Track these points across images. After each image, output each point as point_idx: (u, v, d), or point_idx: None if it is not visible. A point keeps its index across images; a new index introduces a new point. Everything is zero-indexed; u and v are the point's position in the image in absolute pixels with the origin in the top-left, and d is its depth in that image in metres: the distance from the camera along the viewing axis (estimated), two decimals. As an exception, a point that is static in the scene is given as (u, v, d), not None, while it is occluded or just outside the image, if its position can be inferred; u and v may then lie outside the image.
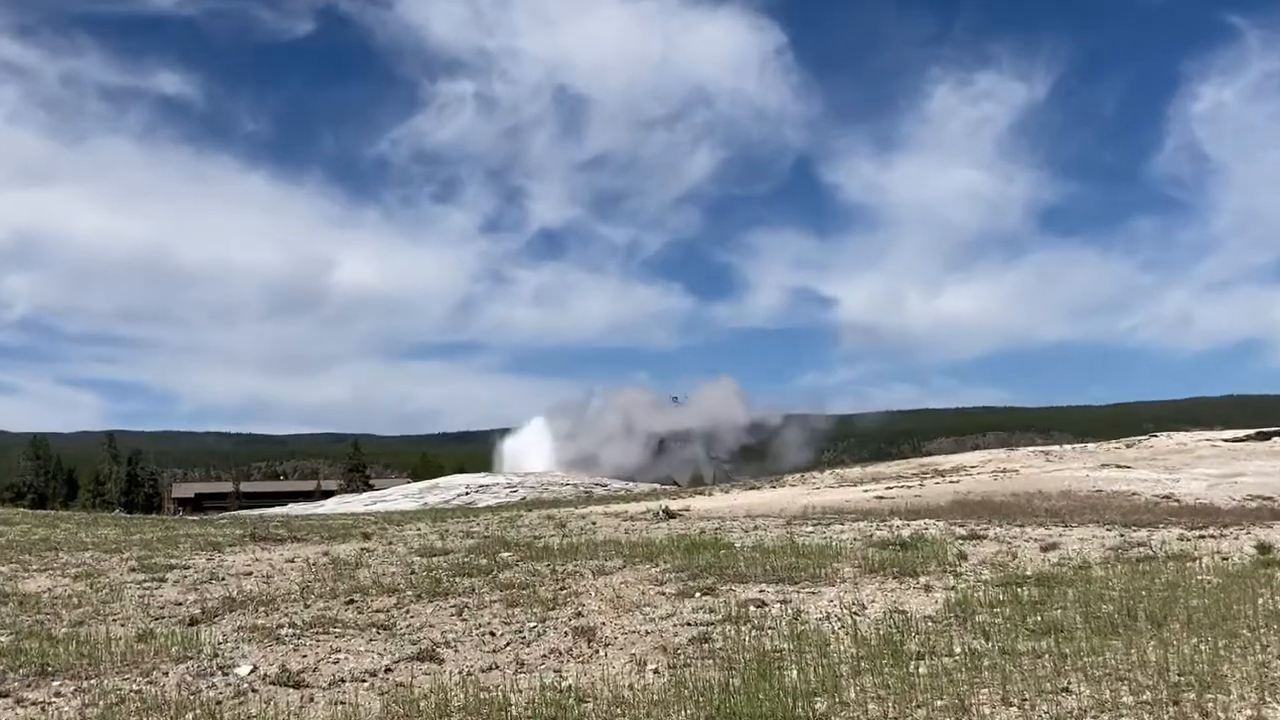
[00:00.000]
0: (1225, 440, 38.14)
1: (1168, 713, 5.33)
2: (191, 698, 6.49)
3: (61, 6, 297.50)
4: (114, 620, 9.12)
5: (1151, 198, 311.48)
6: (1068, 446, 42.94)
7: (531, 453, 73.22)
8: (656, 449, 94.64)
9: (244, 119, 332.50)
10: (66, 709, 6.36)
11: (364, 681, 6.86)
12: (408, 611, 9.19)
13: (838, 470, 38.97)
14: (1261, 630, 6.91)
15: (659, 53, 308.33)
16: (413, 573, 11.44)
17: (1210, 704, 5.39)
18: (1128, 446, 39.69)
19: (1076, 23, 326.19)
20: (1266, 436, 38.31)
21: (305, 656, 7.53)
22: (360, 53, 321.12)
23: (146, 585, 11.13)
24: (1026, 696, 5.69)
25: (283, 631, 8.33)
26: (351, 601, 9.70)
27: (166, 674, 7.10)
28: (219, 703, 6.40)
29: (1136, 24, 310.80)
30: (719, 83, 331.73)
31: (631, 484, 57.88)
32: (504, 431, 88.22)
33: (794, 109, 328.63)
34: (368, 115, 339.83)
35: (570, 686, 6.46)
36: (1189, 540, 12.05)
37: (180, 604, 9.94)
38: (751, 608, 8.66)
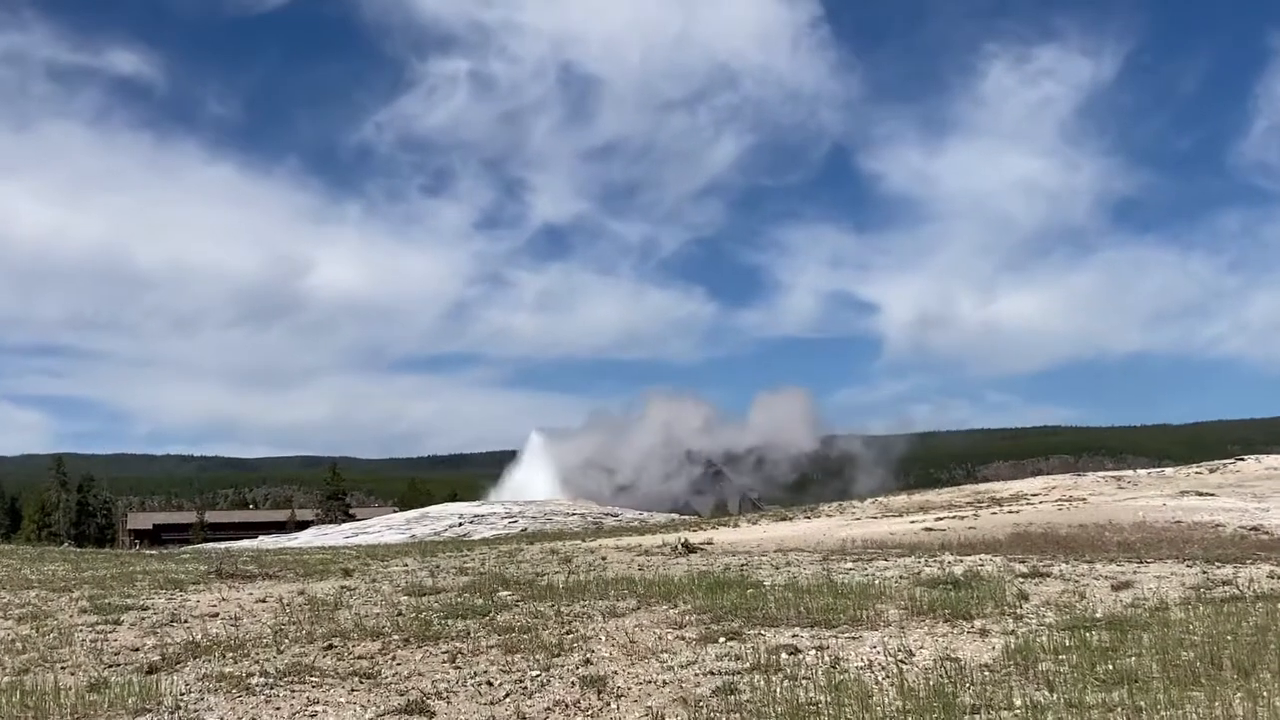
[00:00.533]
0: (1322, 464, 38.00)
1: (1258, 775, 5.31)
2: (150, 755, 6.52)
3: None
4: (63, 668, 9.15)
5: (1237, 189, 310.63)
6: (1142, 472, 42.80)
7: (536, 478, 72.63)
8: (708, 474, 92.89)
9: (210, 102, 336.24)
10: (10, 768, 6.39)
11: (345, 737, 6.87)
12: (394, 658, 9.21)
13: (880, 499, 38.94)
14: (1365, 681, 6.87)
15: (678, 27, 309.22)
16: (400, 614, 11.47)
17: (1306, 765, 5.37)
18: (1211, 471, 39.59)
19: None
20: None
21: (279, 709, 7.55)
22: (341, 27, 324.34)
23: (99, 628, 11.17)
24: (1096, 756, 5.67)
25: (253, 681, 8.35)
26: (331, 647, 9.73)
27: (122, 728, 7.12)
28: (181, 761, 6.42)
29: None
30: (745, 60, 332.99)
31: (645, 514, 57.91)
32: (507, 455, 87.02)
33: (830, 89, 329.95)
34: (349, 97, 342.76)
35: (578, 743, 6.47)
36: (1281, 578, 12.02)
37: (137, 649, 9.98)
38: (783, 655, 8.65)
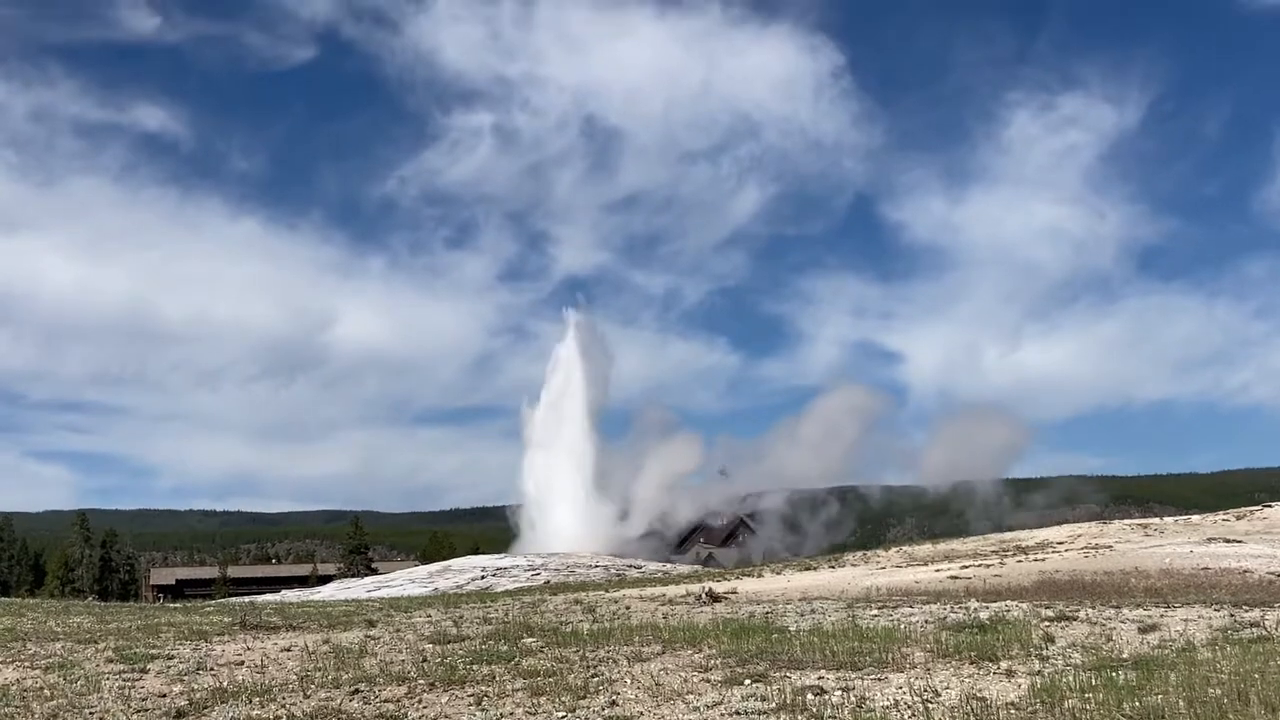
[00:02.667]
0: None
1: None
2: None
3: (31, 34, 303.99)
4: (91, 713, 9.23)
5: (1263, 235, 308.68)
6: (1169, 519, 42.52)
7: (563, 529, 71.73)
8: (733, 524, 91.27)
9: (235, 157, 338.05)
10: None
11: (372, 778, 6.91)
12: (420, 701, 9.25)
13: (905, 548, 38.76)
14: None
15: (700, 78, 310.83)
16: (425, 660, 11.50)
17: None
18: (1238, 519, 39.33)
19: (1174, 38, 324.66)
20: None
21: (306, 751, 7.60)
22: (365, 82, 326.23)
23: (126, 676, 11.23)
24: (1124, 790, 5.68)
25: (280, 724, 8.40)
26: (357, 691, 9.77)
27: (152, 770, 7.18)
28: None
29: (1242, 37, 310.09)
30: (768, 110, 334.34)
31: (669, 565, 57.76)
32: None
33: (853, 139, 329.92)
34: (373, 151, 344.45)
35: (605, 782, 6.49)
36: (1310, 620, 11.96)
37: (164, 695, 10.04)
38: (809, 695, 8.65)
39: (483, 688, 9.71)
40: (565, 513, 72.12)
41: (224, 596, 63.88)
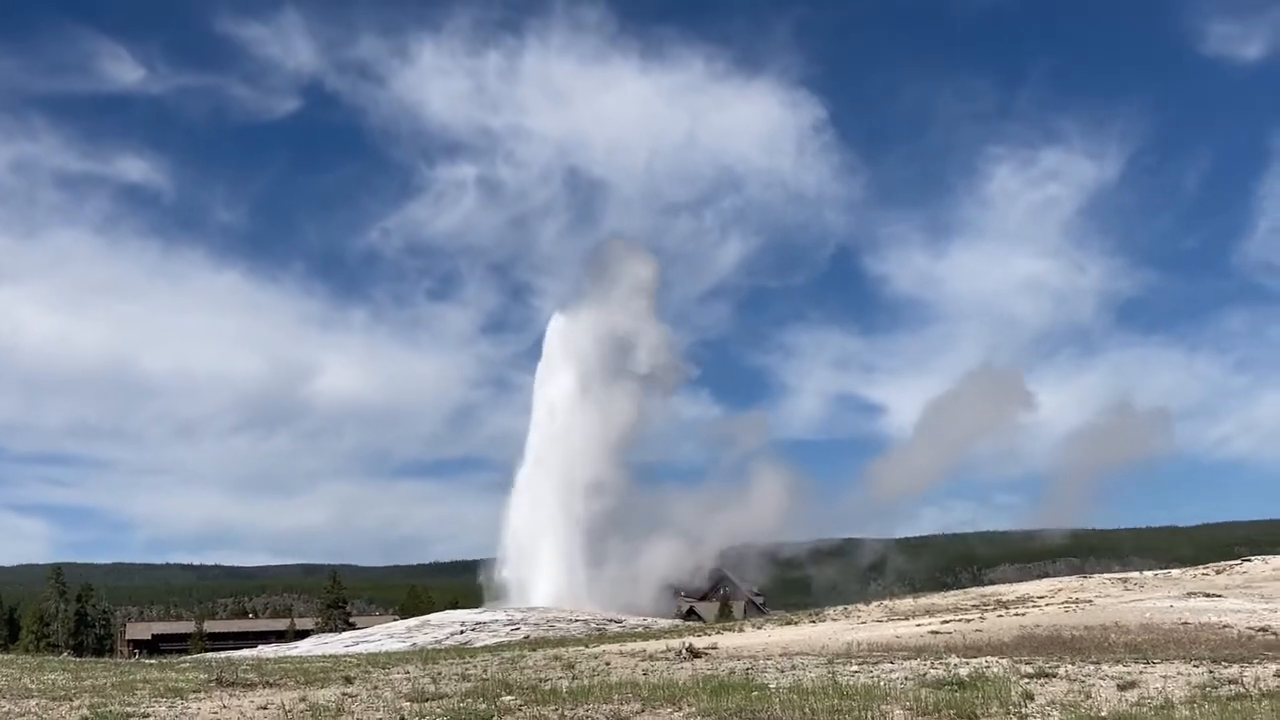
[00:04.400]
0: (1330, 564, 37.80)
1: None
2: None
3: (14, 85, 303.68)
4: (65, 774, 9.13)
5: (1243, 288, 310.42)
6: (1149, 573, 42.56)
7: (541, 582, 70.66)
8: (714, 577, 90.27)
9: (217, 209, 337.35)
10: None
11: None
12: (397, 762, 9.18)
13: (886, 602, 38.68)
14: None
15: (683, 131, 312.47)
16: (402, 719, 11.43)
17: None
18: (1218, 573, 39.37)
19: (1152, 94, 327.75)
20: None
21: (282, 813, 7.53)
22: (349, 134, 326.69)
23: (101, 735, 11.13)
24: None
25: (256, 785, 8.33)
26: (333, 752, 9.70)
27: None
28: None
29: (1220, 93, 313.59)
30: (750, 163, 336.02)
31: (650, 620, 57.49)
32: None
33: (835, 192, 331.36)
34: (357, 203, 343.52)
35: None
36: (1288, 677, 11.98)
37: (139, 756, 9.94)
38: (788, 755, 8.63)
39: (461, 747, 9.65)
40: (548, 566, 71.24)
41: (200, 652, 63.28)
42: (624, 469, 76.99)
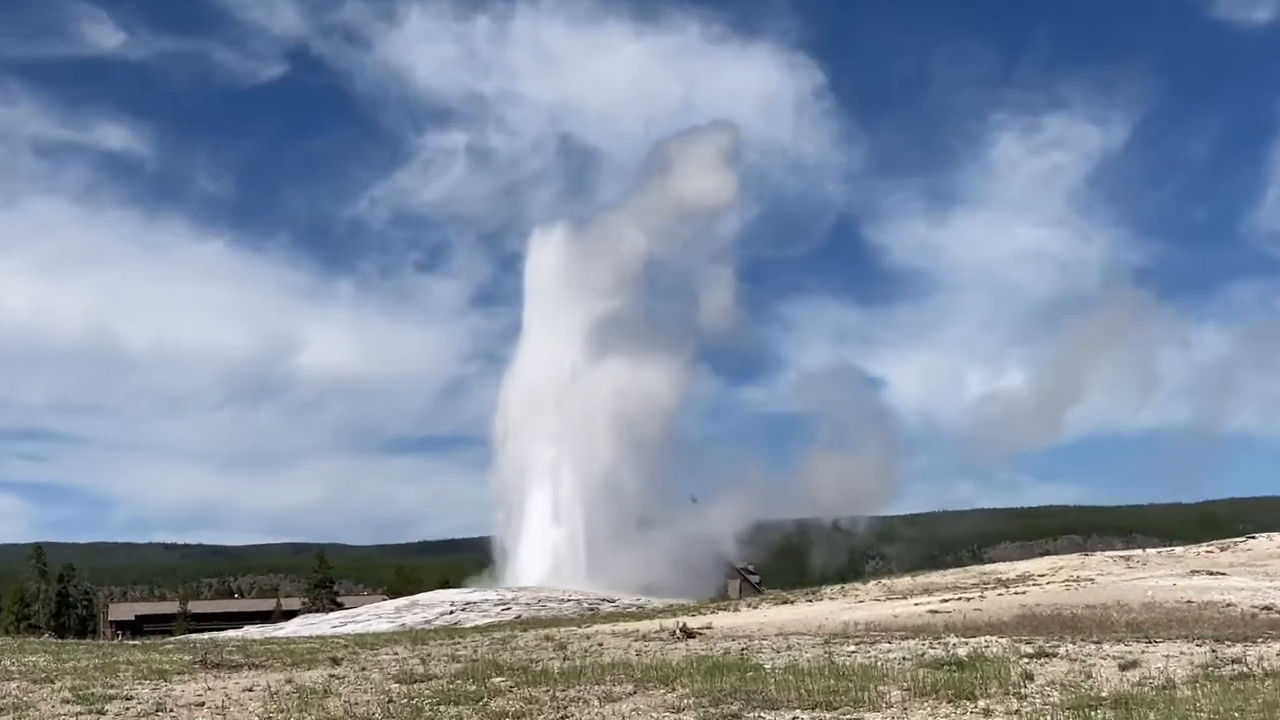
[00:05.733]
0: (1335, 541, 37.98)
1: None
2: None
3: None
4: (46, 758, 9.16)
5: (1251, 258, 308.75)
6: (1152, 551, 42.73)
7: (533, 559, 68.99)
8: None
9: (200, 177, 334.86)
10: None
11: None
12: (385, 745, 9.21)
13: (884, 581, 38.82)
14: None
15: (679, 96, 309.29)
16: (390, 701, 11.47)
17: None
18: (1222, 550, 39.54)
19: (1160, 57, 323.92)
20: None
21: (267, 797, 7.56)
22: (335, 100, 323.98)
23: (83, 718, 11.16)
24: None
25: (241, 769, 8.36)
26: (320, 734, 9.73)
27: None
28: None
29: (1229, 56, 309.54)
30: (748, 130, 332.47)
31: (643, 599, 57.59)
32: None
33: (834, 160, 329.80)
34: (343, 171, 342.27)
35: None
36: (1292, 656, 12.05)
37: (122, 739, 9.97)
38: (783, 737, 8.67)
39: (450, 730, 9.69)
40: (537, 539, 69.79)
41: (185, 633, 63.40)
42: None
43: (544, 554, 68.76)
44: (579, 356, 73.15)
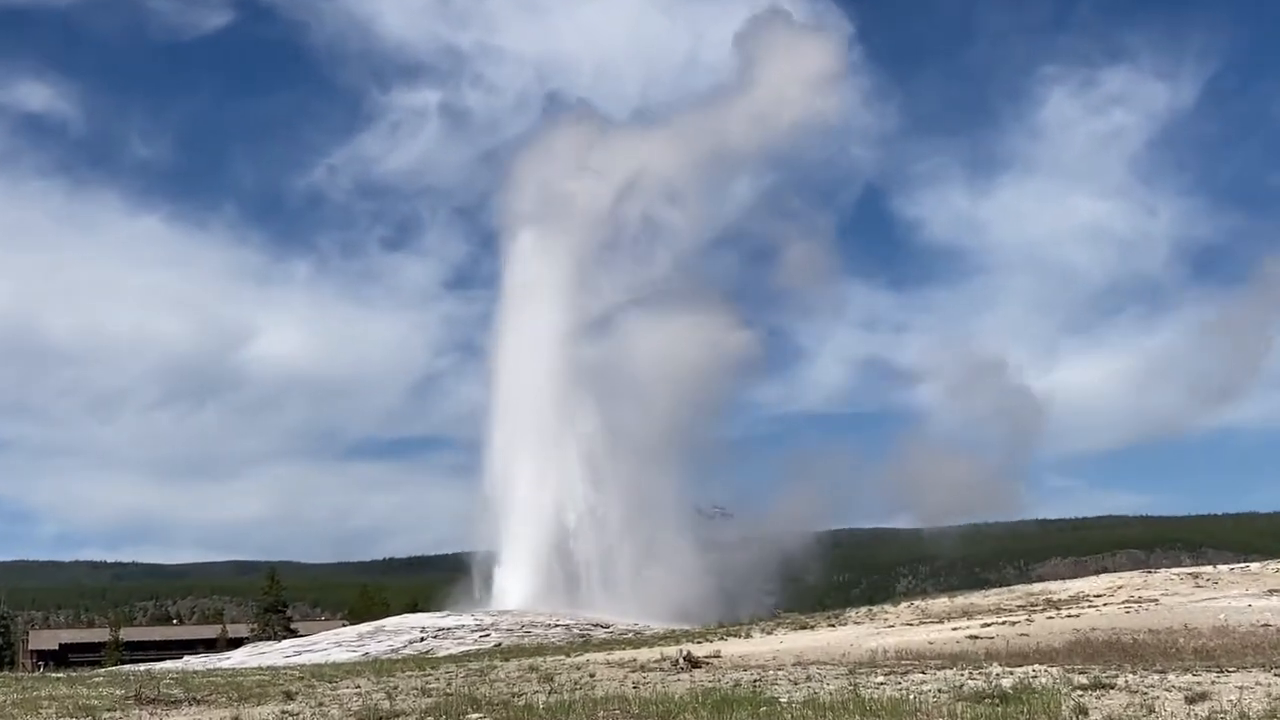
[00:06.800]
0: None
1: None
2: None
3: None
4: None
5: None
6: (1224, 568, 42.75)
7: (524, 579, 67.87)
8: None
9: (134, 142, 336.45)
10: None
11: None
12: (345, 791, 9.23)
13: (916, 602, 38.86)
14: None
15: (683, 49, 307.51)
16: (351, 741, 11.49)
17: None
18: (1304, 566, 39.59)
19: (1237, 2, 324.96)
20: None
21: None
22: (288, 54, 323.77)
23: (-1, 762, 11.18)
24: None
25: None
26: (271, 779, 9.75)
27: None
28: None
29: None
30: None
31: (641, 624, 57.61)
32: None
33: (862, 121, 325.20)
34: (298, 136, 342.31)
35: None
36: (1383, 687, 12.07)
37: (44, 785, 9.99)
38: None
39: (420, 773, 9.70)
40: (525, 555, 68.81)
41: (116, 664, 63.40)
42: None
43: (538, 573, 68.11)
44: (580, 343, 72.97)
